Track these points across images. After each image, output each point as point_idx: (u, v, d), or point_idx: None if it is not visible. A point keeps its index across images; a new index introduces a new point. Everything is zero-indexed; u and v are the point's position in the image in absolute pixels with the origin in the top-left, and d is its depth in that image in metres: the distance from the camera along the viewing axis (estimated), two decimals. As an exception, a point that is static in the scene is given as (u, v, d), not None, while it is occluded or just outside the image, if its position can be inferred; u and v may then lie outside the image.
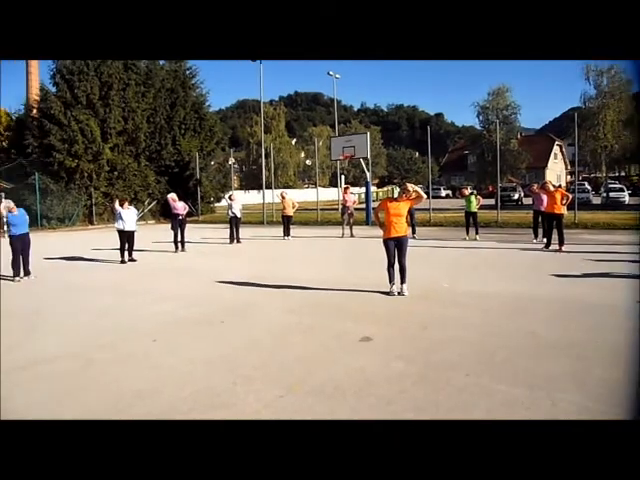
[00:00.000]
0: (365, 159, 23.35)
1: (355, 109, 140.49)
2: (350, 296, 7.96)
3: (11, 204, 11.06)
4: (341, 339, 5.74)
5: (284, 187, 47.48)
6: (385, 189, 55.00)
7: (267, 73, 26.68)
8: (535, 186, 15.04)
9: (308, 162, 78.39)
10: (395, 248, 7.78)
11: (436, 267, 10.38)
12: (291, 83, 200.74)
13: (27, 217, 11.38)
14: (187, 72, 35.75)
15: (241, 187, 62.10)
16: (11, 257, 10.70)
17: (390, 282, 7.88)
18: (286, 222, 17.76)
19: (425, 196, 7.99)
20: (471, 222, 15.92)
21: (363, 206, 22.53)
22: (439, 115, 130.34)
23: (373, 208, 23.14)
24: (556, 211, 12.65)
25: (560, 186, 26.99)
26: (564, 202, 12.78)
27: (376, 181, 68.52)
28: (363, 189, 33.89)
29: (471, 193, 16.22)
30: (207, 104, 37.16)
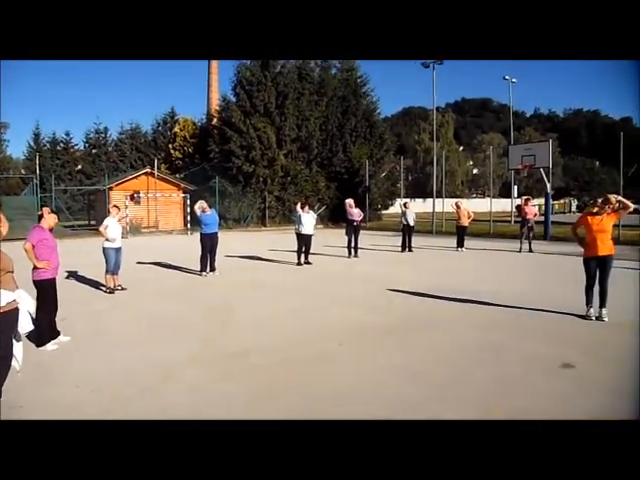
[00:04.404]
0: (545, 169, 21.92)
1: (527, 115, 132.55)
2: (540, 316, 7.43)
3: (205, 204, 12.14)
4: (539, 363, 5.35)
5: (451, 196, 46.30)
6: (562, 201, 51.07)
7: (432, 80, 26.49)
8: None
9: (476, 171, 75.77)
10: (597, 268, 7.11)
11: (635, 293, 9.29)
12: (458, 89, 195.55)
13: (217, 218, 12.40)
14: (358, 80, 36.66)
15: (407, 195, 61.90)
16: (200, 253, 11.73)
17: (587, 305, 7.22)
18: (460, 233, 17.24)
19: (632, 206, 7.16)
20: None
21: (541, 219, 21.08)
22: (626, 120, 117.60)
23: (553, 222, 21.67)
24: None
25: None
26: None
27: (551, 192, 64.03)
28: (536, 201, 31.83)
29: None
30: (377, 112, 37.82)
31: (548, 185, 21.83)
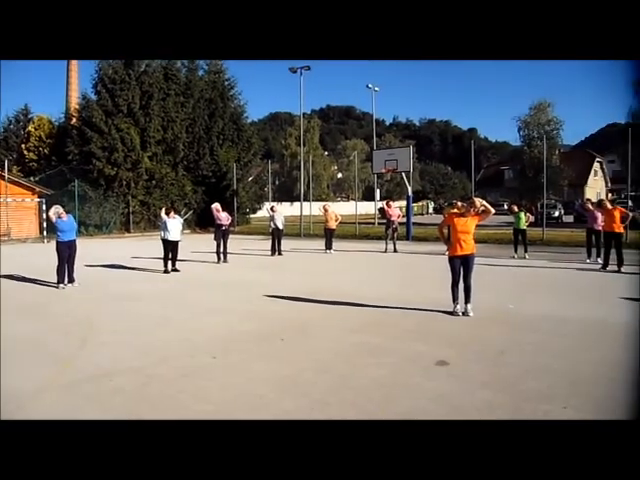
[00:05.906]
0: (407, 172, 23.02)
1: (387, 123, 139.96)
2: (411, 315, 7.60)
3: (60, 210, 11.02)
4: (415, 362, 5.39)
5: (318, 200, 47.26)
6: (420, 204, 54.41)
7: (300, 86, 27.14)
8: (589, 203, 14.62)
9: (340, 175, 78.23)
10: (461, 266, 7.42)
11: (493, 287, 9.91)
12: (323, 96, 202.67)
13: (75, 224, 11.36)
14: (226, 83, 36.02)
15: (274, 199, 62.26)
16: (57, 263, 10.63)
17: (454, 301, 7.51)
18: (329, 235, 17.49)
19: (493, 210, 7.60)
20: (520, 240, 15.41)
21: (403, 220, 22.14)
22: (472, 130, 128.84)
23: (413, 223, 22.83)
24: (616, 230, 12.15)
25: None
26: (624, 221, 12.37)
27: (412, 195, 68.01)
28: (397, 203, 33.58)
29: (521, 210, 15.72)
30: (245, 115, 37.41)
31: (409, 188, 22.96)
